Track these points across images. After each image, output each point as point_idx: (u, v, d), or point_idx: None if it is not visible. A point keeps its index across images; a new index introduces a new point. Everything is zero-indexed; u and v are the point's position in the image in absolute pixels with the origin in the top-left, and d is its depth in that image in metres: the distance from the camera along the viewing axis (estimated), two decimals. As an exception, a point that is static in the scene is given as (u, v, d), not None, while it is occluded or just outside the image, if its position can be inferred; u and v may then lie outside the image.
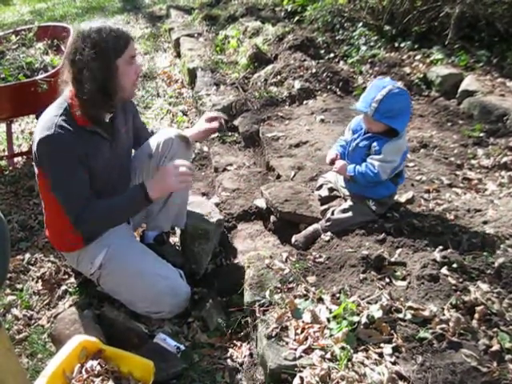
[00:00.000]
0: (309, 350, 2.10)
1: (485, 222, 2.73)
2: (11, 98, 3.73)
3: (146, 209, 2.83)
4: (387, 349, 2.05)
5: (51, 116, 2.43)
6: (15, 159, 4.52)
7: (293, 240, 2.97)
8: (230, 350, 2.54)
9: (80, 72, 2.36)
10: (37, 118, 4.41)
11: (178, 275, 2.74)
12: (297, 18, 6.62)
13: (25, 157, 4.59)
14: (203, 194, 3.84)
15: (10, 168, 4.42)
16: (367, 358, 2.03)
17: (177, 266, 2.80)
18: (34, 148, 2.44)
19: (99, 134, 2.54)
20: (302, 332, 2.19)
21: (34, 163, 2.56)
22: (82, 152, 2.45)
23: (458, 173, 3.44)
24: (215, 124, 3.00)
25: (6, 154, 4.51)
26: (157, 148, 2.80)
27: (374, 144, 2.75)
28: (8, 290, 3.03)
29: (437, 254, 2.44)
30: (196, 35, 7.03)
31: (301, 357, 2.07)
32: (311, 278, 2.53)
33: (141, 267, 2.66)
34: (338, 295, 2.36)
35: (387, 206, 2.88)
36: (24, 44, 4.29)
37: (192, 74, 5.73)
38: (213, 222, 3.11)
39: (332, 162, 2.91)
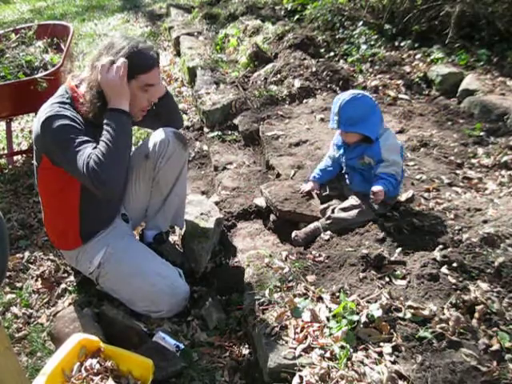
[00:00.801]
0: (308, 349, 2.09)
1: (485, 221, 2.73)
2: (11, 96, 3.73)
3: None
4: (387, 348, 2.05)
5: (51, 103, 2.44)
6: (15, 157, 4.52)
7: (293, 235, 2.95)
8: (230, 349, 2.54)
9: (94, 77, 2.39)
10: (36, 116, 4.44)
11: (178, 274, 2.74)
12: (297, 16, 6.63)
13: (24, 155, 4.58)
14: (203, 193, 3.84)
15: (10, 166, 4.42)
16: (367, 357, 2.03)
17: (176, 264, 2.80)
18: (35, 135, 2.44)
19: (100, 126, 2.45)
20: (301, 331, 2.19)
21: (34, 159, 2.55)
22: (81, 121, 2.44)
23: (458, 172, 3.44)
24: None
25: (6, 152, 4.51)
26: (153, 148, 2.79)
27: (368, 155, 2.82)
28: (7, 289, 3.03)
29: (437, 253, 2.43)
30: (196, 34, 7.03)
31: (300, 356, 2.07)
32: (311, 277, 2.53)
33: (140, 266, 2.67)
34: (337, 294, 2.36)
35: (389, 207, 2.88)
36: (24, 42, 4.29)
37: (192, 72, 5.72)
38: (212, 221, 3.11)
39: (308, 193, 3.15)
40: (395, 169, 2.77)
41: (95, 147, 2.37)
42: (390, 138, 2.78)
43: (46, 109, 2.41)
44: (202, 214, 3.17)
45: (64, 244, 2.78)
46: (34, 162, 2.57)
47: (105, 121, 2.42)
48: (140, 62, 2.41)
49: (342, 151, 2.97)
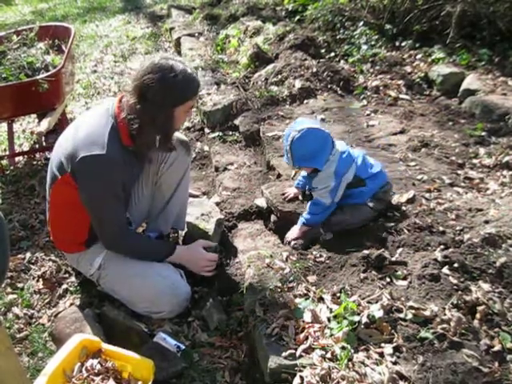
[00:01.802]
0: (309, 350, 2.09)
1: (486, 222, 2.72)
2: (12, 97, 3.73)
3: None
4: (388, 349, 2.05)
5: (100, 132, 2.42)
6: (16, 159, 4.53)
7: (292, 244, 2.95)
8: (230, 350, 2.54)
9: (141, 104, 2.39)
10: (38, 117, 4.45)
11: (179, 275, 2.74)
12: (297, 17, 6.63)
13: (26, 156, 4.59)
14: (204, 194, 3.84)
15: (11, 167, 4.42)
16: (368, 357, 2.03)
17: (177, 265, 2.80)
18: (70, 154, 2.42)
19: (138, 154, 2.59)
20: (302, 331, 2.19)
21: (54, 169, 2.53)
22: (124, 176, 2.52)
23: (459, 172, 3.43)
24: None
25: (7, 153, 4.51)
26: (156, 153, 2.80)
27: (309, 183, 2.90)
28: (9, 289, 3.04)
29: (438, 254, 2.43)
30: (197, 35, 7.04)
31: (301, 356, 2.07)
32: (312, 278, 2.53)
33: (141, 267, 2.67)
34: (338, 295, 2.35)
35: (385, 202, 2.88)
36: (25, 44, 4.29)
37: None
38: (213, 222, 3.11)
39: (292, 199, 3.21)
40: (321, 194, 2.83)
41: (124, 225, 2.62)
42: (326, 167, 2.79)
43: (96, 138, 2.40)
44: (202, 214, 3.17)
45: (67, 248, 2.80)
46: (54, 168, 2.54)
47: (160, 242, 2.91)
48: (189, 88, 2.44)
49: (306, 179, 3.04)
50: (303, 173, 3.11)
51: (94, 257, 2.70)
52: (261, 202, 3.41)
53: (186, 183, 3.04)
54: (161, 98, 2.35)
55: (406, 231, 2.69)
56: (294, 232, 2.97)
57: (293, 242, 2.92)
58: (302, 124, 2.77)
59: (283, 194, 3.25)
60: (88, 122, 2.49)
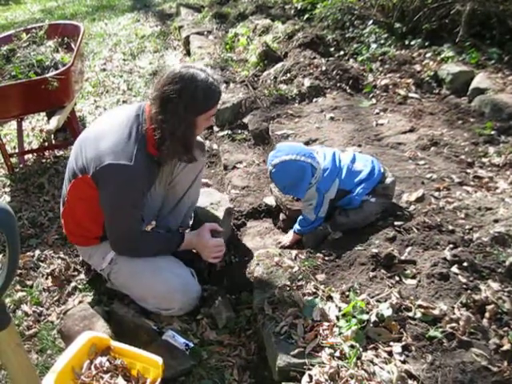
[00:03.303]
0: (318, 348, 2.10)
1: (496, 221, 2.71)
2: (22, 95, 3.74)
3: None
4: (397, 347, 2.05)
5: (128, 141, 2.43)
6: (25, 156, 4.55)
7: (303, 240, 2.96)
8: (239, 348, 2.54)
9: (162, 115, 2.39)
10: (47, 115, 4.47)
11: (190, 273, 2.75)
12: (307, 15, 6.62)
13: (35, 154, 4.61)
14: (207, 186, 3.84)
15: (21, 165, 4.44)
16: (376, 356, 2.03)
17: (186, 262, 2.80)
18: (94, 157, 2.42)
19: (160, 163, 2.63)
20: (311, 330, 2.19)
21: (75, 165, 2.53)
22: (145, 185, 2.55)
23: (468, 171, 3.42)
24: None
25: (17, 151, 4.53)
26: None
27: None
28: (18, 286, 3.05)
29: (447, 253, 2.42)
30: (206, 33, 7.04)
31: (310, 355, 2.07)
32: (320, 276, 2.53)
33: (153, 264, 2.67)
34: (347, 293, 2.35)
35: (387, 197, 2.87)
36: (35, 42, 4.31)
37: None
38: (222, 210, 3.15)
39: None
40: (305, 211, 2.89)
41: (138, 233, 2.64)
42: (314, 186, 2.81)
43: (123, 148, 2.41)
44: (211, 203, 3.19)
45: (80, 242, 2.81)
46: (75, 165, 2.54)
47: (170, 234, 2.88)
48: (210, 98, 2.44)
49: None
50: None
51: (106, 251, 2.71)
52: (270, 201, 3.41)
53: (198, 183, 3.07)
54: (182, 109, 2.35)
55: (415, 230, 2.68)
56: (288, 238, 3.03)
57: (304, 239, 2.96)
58: (279, 153, 2.80)
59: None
60: (118, 127, 2.48)
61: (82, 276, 3.09)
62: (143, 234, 2.74)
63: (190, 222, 3.16)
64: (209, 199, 3.24)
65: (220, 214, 3.11)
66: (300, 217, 2.95)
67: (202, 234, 2.77)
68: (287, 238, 3.04)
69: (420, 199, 2.98)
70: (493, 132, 3.89)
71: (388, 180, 2.86)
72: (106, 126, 2.54)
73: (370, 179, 2.81)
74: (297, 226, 2.96)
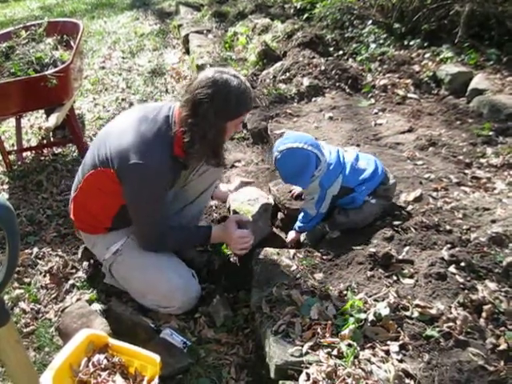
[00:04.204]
0: (315, 347, 2.10)
1: (493, 221, 2.72)
2: (21, 92, 3.74)
3: None
4: (394, 346, 2.05)
5: (157, 141, 2.44)
6: (24, 154, 4.54)
7: (301, 239, 2.97)
8: (237, 346, 2.55)
9: (193, 118, 2.40)
10: (46, 113, 4.46)
11: (191, 274, 2.75)
12: (306, 15, 6.62)
13: (33, 152, 4.60)
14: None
15: (19, 163, 4.44)
16: (374, 355, 2.03)
17: (187, 262, 2.81)
18: (120, 157, 2.43)
19: (186, 165, 2.65)
20: (308, 329, 2.19)
21: (97, 157, 2.52)
22: (168, 184, 2.58)
23: (466, 171, 3.42)
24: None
25: (15, 148, 4.53)
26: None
27: None
28: (16, 284, 3.06)
29: (445, 253, 2.43)
30: (205, 32, 7.04)
31: (307, 353, 2.07)
32: (318, 275, 2.53)
33: (158, 260, 2.68)
34: (345, 292, 2.36)
35: (387, 199, 2.87)
36: (34, 39, 4.30)
37: (201, 70, 5.71)
38: (257, 205, 3.08)
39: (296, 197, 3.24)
40: (307, 205, 2.90)
41: (164, 227, 2.64)
42: (317, 179, 2.79)
43: (150, 147, 2.42)
44: (249, 200, 3.13)
45: (87, 230, 2.81)
46: (97, 157, 2.53)
47: (196, 228, 2.89)
48: (242, 104, 2.45)
49: None
50: None
51: (112, 241, 2.71)
52: (268, 200, 3.40)
53: (210, 191, 3.09)
54: (213, 113, 2.36)
55: (412, 230, 2.69)
56: (290, 237, 3.03)
57: (302, 239, 2.99)
58: (287, 141, 2.77)
59: (290, 192, 3.25)
60: (148, 125, 2.48)
61: (80, 274, 3.09)
62: (171, 229, 2.72)
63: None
64: (247, 196, 3.17)
65: (255, 208, 3.03)
66: (301, 213, 2.94)
67: (227, 225, 2.79)
68: (289, 238, 3.04)
69: (418, 199, 2.99)
70: (491, 133, 3.89)
71: (390, 182, 2.87)
72: (134, 122, 2.51)
73: (373, 179, 2.81)
74: (297, 224, 2.96)
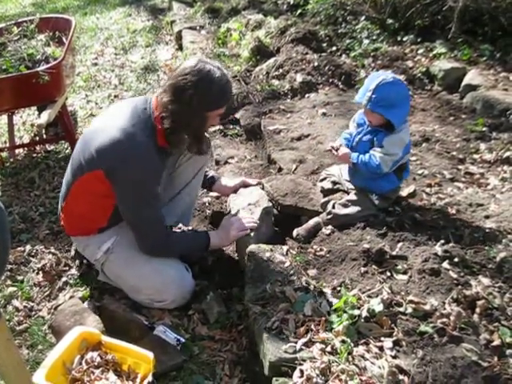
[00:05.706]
0: (309, 343, 2.10)
1: (487, 217, 2.73)
2: (12, 89, 3.71)
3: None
4: (388, 342, 2.05)
5: (140, 137, 2.43)
6: (16, 151, 4.52)
7: (294, 233, 2.95)
8: (230, 343, 2.55)
9: (174, 105, 2.40)
10: (38, 109, 4.44)
11: (184, 267, 2.75)
12: (299, 11, 6.61)
13: (26, 149, 4.58)
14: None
15: (11, 160, 4.42)
16: (368, 351, 2.03)
17: (181, 257, 2.80)
18: (102, 150, 2.41)
19: (169, 154, 2.66)
20: (302, 325, 2.19)
21: (83, 160, 2.50)
22: (159, 175, 2.56)
23: (460, 167, 3.43)
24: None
25: (8, 145, 4.51)
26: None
27: (375, 138, 2.74)
28: (9, 282, 3.04)
29: (438, 248, 2.43)
30: (198, 28, 7.02)
31: (301, 350, 2.07)
32: (312, 271, 2.53)
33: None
34: (338, 288, 2.36)
35: (391, 201, 2.86)
36: (26, 35, 4.27)
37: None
38: (258, 211, 2.96)
39: (336, 150, 2.88)
40: (385, 160, 2.67)
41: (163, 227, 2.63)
42: (401, 131, 2.69)
43: (134, 140, 2.41)
44: (249, 204, 3.04)
45: (78, 231, 2.79)
46: (83, 159, 2.50)
47: (194, 234, 2.86)
48: (223, 96, 2.48)
49: (360, 129, 2.87)
50: (352, 129, 2.98)
51: (103, 240, 2.70)
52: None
53: (198, 179, 3.07)
54: (195, 101, 2.37)
55: (406, 226, 2.69)
56: (343, 151, 2.83)
57: (295, 233, 2.95)
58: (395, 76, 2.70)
59: (331, 149, 2.96)
60: (126, 122, 2.45)
61: (73, 271, 3.08)
62: (170, 232, 2.76)
63: (189, 221, 3.17)
64: (247, 199, 3.09)
65: (256, 216, 2.92)
66: (367, 159, 2.71)
67: (223, 222, 2.84)
68: (341, 150, 2.83)
69: (411, 195, 2.99)
70: (484, 128, 3.90)
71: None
72: (115, 119, 2.50)
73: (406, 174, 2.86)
74: (362, 157, 2.74)
